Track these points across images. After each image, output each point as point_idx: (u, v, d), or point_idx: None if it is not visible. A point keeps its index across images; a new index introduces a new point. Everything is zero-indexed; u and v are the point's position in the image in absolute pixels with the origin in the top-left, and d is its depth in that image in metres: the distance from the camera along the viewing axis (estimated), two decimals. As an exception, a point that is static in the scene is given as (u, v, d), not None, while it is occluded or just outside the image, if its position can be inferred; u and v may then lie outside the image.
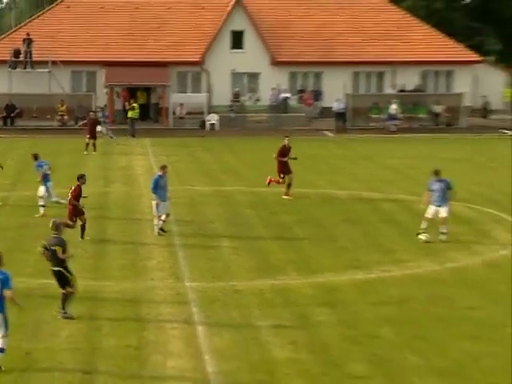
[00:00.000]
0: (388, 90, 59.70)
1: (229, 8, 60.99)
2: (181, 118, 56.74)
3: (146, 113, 56.87)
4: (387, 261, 23.95)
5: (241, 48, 59.69)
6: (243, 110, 57.64)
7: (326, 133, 55.31)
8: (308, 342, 17.01)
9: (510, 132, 55.69)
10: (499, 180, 38.54)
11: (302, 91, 59.90)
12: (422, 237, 24.61)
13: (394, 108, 54.48)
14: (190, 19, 62.33)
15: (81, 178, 25.39)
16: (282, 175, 33.13)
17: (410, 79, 58.78)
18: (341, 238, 26.49)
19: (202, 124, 55.70)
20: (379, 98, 58.33)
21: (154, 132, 54.43)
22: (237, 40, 59.92)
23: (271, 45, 60.68)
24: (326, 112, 56.78)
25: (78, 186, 25.12)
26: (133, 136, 50.58)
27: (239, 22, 60.78)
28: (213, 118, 55.38)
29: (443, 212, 24.64)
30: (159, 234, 26.53)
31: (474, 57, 62.13)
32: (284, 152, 33.40)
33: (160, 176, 26.66)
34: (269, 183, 33.90)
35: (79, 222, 24.74)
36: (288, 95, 57.95)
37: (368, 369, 15.31)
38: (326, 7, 66.27)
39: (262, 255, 24.62)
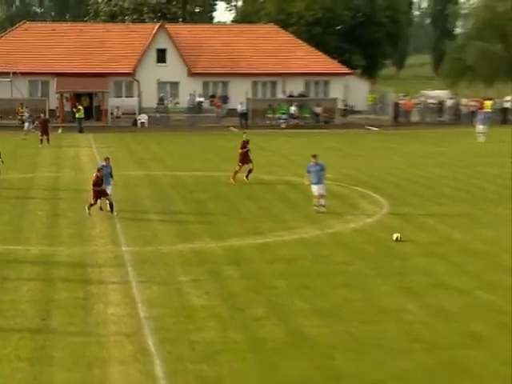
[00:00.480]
0: (280, 96, 58.38)
1: (154, 31, 59.60)
2: (117, 117, 55.54)
3: (89, 113, 54.98)
4: (280, 228, 23.86)
5: (164, 62, 58.34)
6: (166, 111, 56.16)
7: (232, 129, 53.38)
8: (219, 292, 17.00)
9: (373, 128, 55.40)
10: (365, 165, 38.49)
11: (213, 96, 58.28)
12: (320, 209, 24.36)
13: (293, 109, 53.97)
14: (124, 39, 60.69)
15: (99, 170, 25.13)
16: (240, 164, 32.58)
17: (296, 87, 57.98)
18: (244, 211, 26.69)
19: (134, 122, 54.67)
20: (273, 101, 57.07)
21: (96, 129, 52.71)
22: (161, 56, 58.34)
23: (188, 60, 59.05)
24: (231, 113, 55.96)
25: (96, 175, 24.96)
26: (80, 132, 49.18)
27: (162, 42, 59.11)
28: (143, 118, 54.17)
29: (320, 189, 24.57)
30: (101, 209, 26.65)
31: (345, 70, 61.38)
32: (243, 145, 32.99)
33: (104, 166, 26.39)
34: (234, 176, 33.52)
35: (106, 201, 24.27)
36: (202, 99, 57.25)
37: (266, 312, 15.34)
38: (232, 30, 67.47)
39: (182, 225, 24.61)
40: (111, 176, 27.06)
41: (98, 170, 25.14)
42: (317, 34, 71.03)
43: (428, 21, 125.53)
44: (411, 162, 39.38)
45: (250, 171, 32.20)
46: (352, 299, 16.68)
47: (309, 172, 25.85)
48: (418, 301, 17.01)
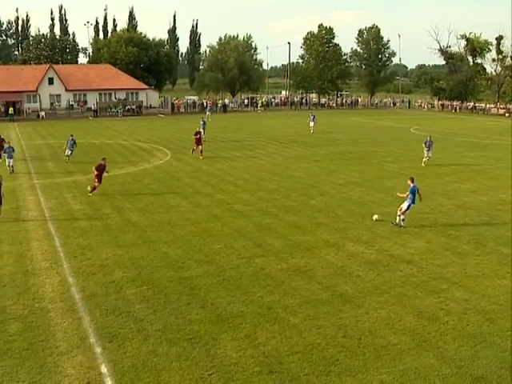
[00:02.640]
0: (113, 99, 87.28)
1: (46, 68, 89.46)
2: (28, 114, 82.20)
3: (15, 112, 77.98)
4: (116, 168, 35.99)
5: (52, 84, 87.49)
6: (55, 110, 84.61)
7: (89, 117, 79.94)
8: (86, 201, 29.39)
9: (161, 115, 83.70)
10: (158, 134, 56.08)
11: (79, 101, 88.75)
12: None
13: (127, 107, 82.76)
14: (31, 72, 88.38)
15: (103, 159, 29.63)
16: (195, 145, 40.78)
17: (122, 95, 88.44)
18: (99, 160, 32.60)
19: (38, 116, 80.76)
20: (111, 102, 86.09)
21: (18, 120, 75.62)
22: (50, 80, 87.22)
23: (64, 82, 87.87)
24: (89, 110, 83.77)
25: (101, 163, 29.12)
26: (11, 121, 71.78)
27: (51, 74, 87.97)
28: (42, 113, 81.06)
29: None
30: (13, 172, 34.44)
31: (146, 86, 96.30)
32: (196, 133, 41.26)
33: (8, 147, 34.71)
34: (192, 152, 41.58)
35: (97, 184, 28.58)
36: (73, 103, 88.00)
37: (111, 209, 29.37)
38: (87, 67, 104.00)
39: (65, 167, 36.15)
40: (13, 151, 34.77)
41: (103, 159, 29.48)
42: (131, 69, 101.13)
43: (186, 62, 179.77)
44: (181, 131, 59.09)
45: (201, 151, 40.48)
46: (154, 202, 27.09)
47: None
48: (187, 200, 27.67)
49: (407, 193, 23.14)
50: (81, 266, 18.03)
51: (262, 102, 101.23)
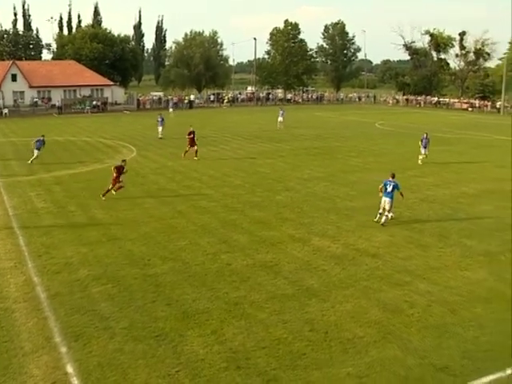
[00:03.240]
0: (78, 96, 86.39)
1: (9, 64, 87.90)
2: None
3: None
4: (81, 165, 35.78)
5: (16, 81, 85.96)
6: (19, 107, 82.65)
7: (54, 114, 78.37)
8: (51, 199, 27.01)
9: (127, 112, 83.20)
10: (124, 130, 55.71)
11: (43, 98, 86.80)
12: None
13: (94, 103, 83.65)
14: None
15: (123, 161, 28.70)
16: (189, 146, 38.99)
17: (87, 92, 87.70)
18: (62, 157, 38.20)
19: (1, 113, 78.24)
20: (77, 99, 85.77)
21: None
22: (14, 77, 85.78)
23: (28, 79, 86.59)
24: (53, 106, 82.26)
25: (121, 165, 28.01)
26: None
27: (14, 70, 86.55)
28: (5, 110, 78.29)
29: None
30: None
31: (111, 83, 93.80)
32: (189, 133, 39.30)
33: None
34: (184, 154, 39.22)
35: (118, 185, 27.36)
36: (37, 99, 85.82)
37: (75, 206, 26.89)
38: (51, 63, 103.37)
39: (28, 167, 35.20)
40: None
41: (123, 161, 28.47)
42: (96, 65, 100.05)
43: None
44: (146, 127, 58.53)
45: (196, 151, 38.84)
46: (118, 199, 26.83)
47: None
48: (152, 196, 27.77)
49: (380, 186, 22.97)
50: (45, 264, 17.82)
51: (228, 98, 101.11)
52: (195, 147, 38.48)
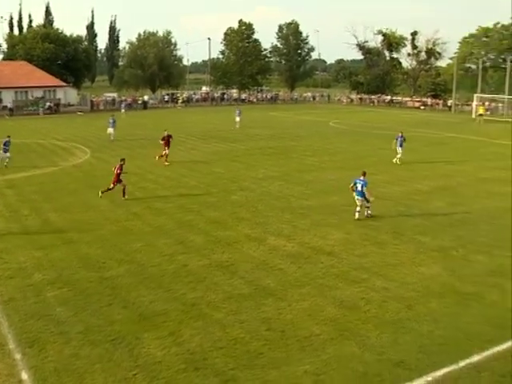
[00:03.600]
0: (30, 98, 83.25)
1: None
2: None
3: None
4: (34, 168, 35.13)
5: None
6: None
7: (6, 116, 74.66)
8: (3, 203, 26.44)
9: (80, 113, 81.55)
10: (76, 132, 55.09)
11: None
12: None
13: (47, 104, 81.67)
14: None
15: (122, 160, 28.15)
16: (166, 149, 37.53)
17: (38, 94, 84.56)
18: (16, 160, 37.18)
19: None
20: (29, 101, 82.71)
21: None
22: None
23: None
24: (4, 108, 79.45)
25: (120, 164, 27.86)
26: None
27: None
28: None
29: None
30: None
31: (64, 84, 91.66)
32: (163, 138, 38.01)
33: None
34: (159, 158, 37.88)
35: (121, 187, 27.19)
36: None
37: (28, 210, 27.73)
38: (1, 64, 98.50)
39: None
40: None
41: (121, 160, 27.90)
42: (48, 65, 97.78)
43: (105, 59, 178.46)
44: (100, 129, 55.34)
45: (167, 155, 37.50)
46: (73, 202, 26.85)
47: None
48: (107, 199, 26.85)
49: (351, 185, 23.54)
50: (-2, 269, 17.62)
51: (182, 98, 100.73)
52: (167, 150, 37.29)
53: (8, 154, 35.97)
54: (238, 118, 60.60)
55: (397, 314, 14.44)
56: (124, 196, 27.09)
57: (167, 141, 37.65)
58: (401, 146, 37.84)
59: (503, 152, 43.52)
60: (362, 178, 23.17)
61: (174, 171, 34.08)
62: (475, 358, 12.37)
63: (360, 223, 22.86)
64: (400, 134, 38.32)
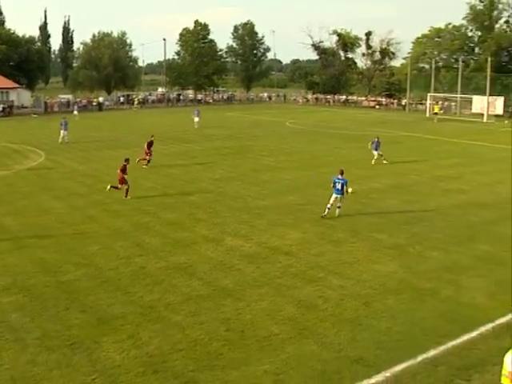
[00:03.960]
0: None
1: None
2: None
3: None
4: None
5: None
6: None
7: None
8: None
9: (34, 115, 78.74)
10: (28, 135, 53.81)
11: None
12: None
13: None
14: None
15: (126, 160, 27.99)
16: (148, 155, 36.80)
17: None
18: None
19: None
20: None
21: None
22: None
23: None
24: None
25: (124, 165, 27.86)
26: None
27: None
28: None
29: None
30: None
31: (17, 85, 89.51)
32: (149, 143, 37.39)
33: None
34: (138, 161, 36.10)
35: (125, 186, 27.24)
36: None
37: None
38: None
39: None
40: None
41: (126, 160, 27.71)
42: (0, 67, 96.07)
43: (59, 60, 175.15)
44: (54, 131, 52.21)
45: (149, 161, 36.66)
46: (27, 205, 26.24)
47: None
48: (63, 202, 26.89)
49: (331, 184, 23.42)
50: (-50, 277, 17.22)
51: (138, 100, 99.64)
52: (148, 157, 36.59)
53: None
54: (196, 119, 60.86)
55: (354, 311, 14.60)
56: (126, 196, 27.03)
57: (149, 145, 36.86)
58: (376, 149, 37.97)
59: (456, 150, 44.62)
60: (340, 176, 23.36)
61: (130, 173, 32.67)
62: (432, 353, 12.56)
63: (316, 222, 23.07)
64: (376, 139, 38.47)
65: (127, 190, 27.35)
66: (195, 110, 64.09)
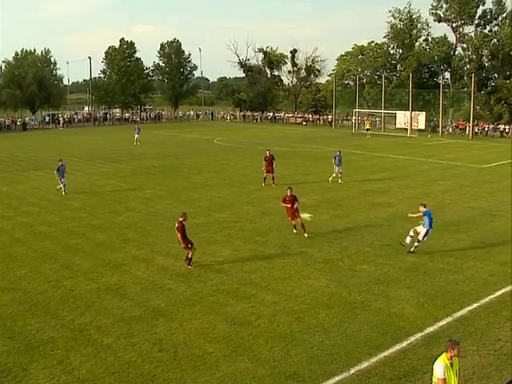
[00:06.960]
0: None
1: None
2: None
3: None
4: None
5: None
6: None
7: None
8: None
9: None
10: None
11: None
12: None
13: None
14: None
15: (183, 215, 20.58)
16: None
17: None
18: None
19: None
20: None
21: None
22: None
23: None
24: None
25: (180, 222, 20.40)
26: None
27: None
28: None
29: None
30: None
31: None
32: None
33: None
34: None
35: (191, 251, 21.80)
36: None
37: None
38: None
39: None
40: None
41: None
42: None
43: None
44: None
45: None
46: None
47: None
48: (26, 229, 26.45)
49: (418, 214, 21.22)
50: None
51: (63, 119, 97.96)
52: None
53: None
54: (137, 136, 62.71)
55: (288, 326, 14.69)
56: (189, 264, 19.69)
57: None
58: (338, 165, 37.07)
59: (383, 164, 45.64)
60: (424, 209, 21.12)
61: (58, 194, 33.06)
62: (364, 365, 12.77)
63: (247, 239, 23.22)
64: (338, 153, 37.63)
65: (190, 258, 20.26)
66: (136, 127, 64.54)
